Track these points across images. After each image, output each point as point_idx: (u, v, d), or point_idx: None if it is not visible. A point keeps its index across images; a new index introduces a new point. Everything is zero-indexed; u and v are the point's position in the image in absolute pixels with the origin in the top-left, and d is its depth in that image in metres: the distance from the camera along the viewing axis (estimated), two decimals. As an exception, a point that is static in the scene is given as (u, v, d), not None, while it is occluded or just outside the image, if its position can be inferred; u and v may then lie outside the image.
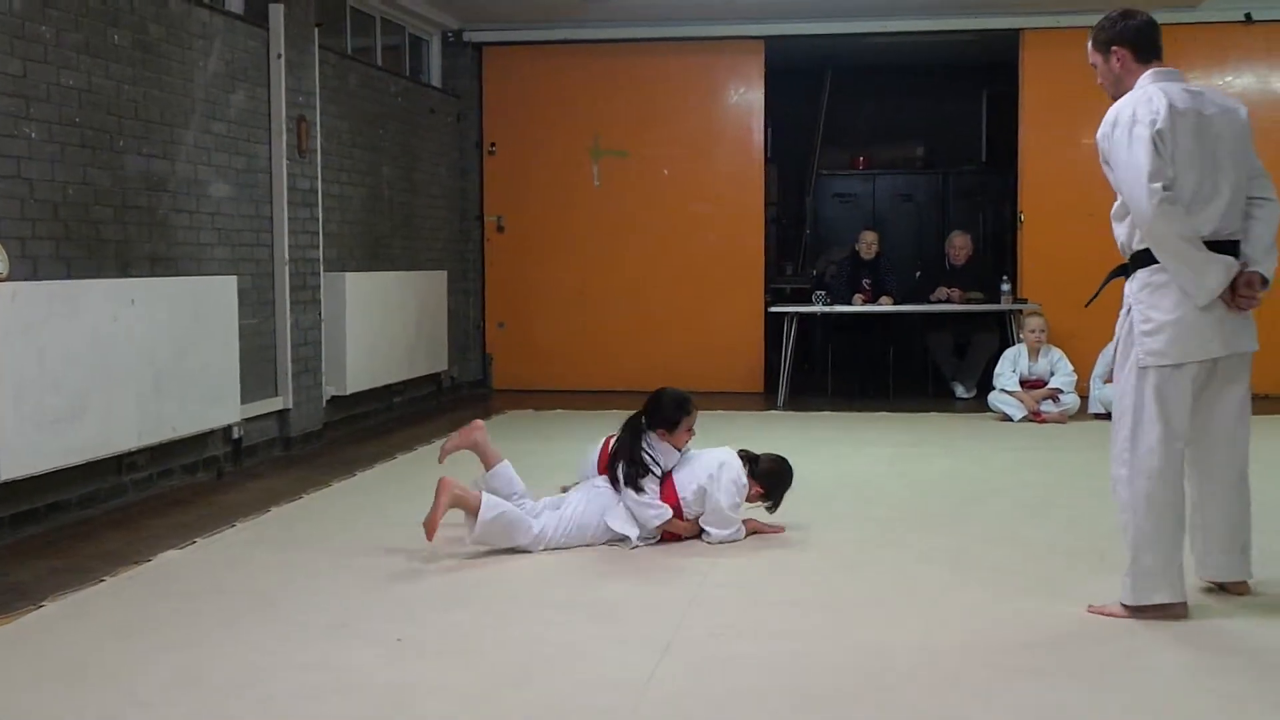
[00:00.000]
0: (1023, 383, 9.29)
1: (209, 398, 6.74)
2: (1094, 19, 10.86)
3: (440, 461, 5.63)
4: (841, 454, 7.76)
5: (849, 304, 10.36)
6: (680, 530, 5.37)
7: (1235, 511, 4.36)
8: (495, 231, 11.40)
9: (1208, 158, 4.15)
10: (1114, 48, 4.36)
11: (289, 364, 7.80)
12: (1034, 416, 9.08)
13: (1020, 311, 9.90)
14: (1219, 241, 4.14)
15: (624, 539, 5.27)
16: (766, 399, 10.54)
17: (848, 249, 11.21)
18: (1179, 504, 4.20)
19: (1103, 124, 4.22)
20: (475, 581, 4.75)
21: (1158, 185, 4.04)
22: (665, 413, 5.46)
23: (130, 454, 6.22)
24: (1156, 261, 4.14)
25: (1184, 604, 4.18)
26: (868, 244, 10.76)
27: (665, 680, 3.66)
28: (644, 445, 5.39)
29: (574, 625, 4.21)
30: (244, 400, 7.18)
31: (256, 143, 7.58)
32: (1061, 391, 9.19)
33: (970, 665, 3.78)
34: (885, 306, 10.33)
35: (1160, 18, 10.82)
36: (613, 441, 5.60)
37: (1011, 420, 9.11)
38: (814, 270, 12.61)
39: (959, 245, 10.66)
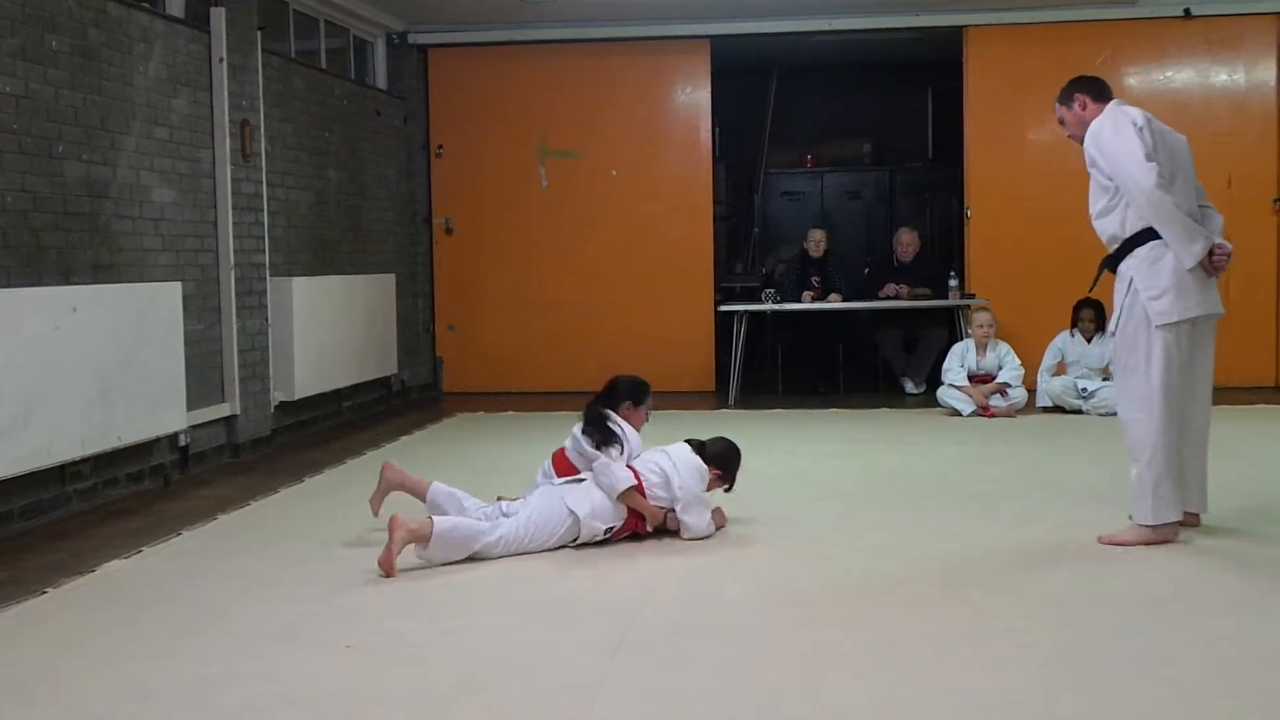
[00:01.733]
0: (971, 377, 9.35)
1: (155, 405, 6.67)
2: (1036, 15, 11.06)
3: (376, 515, 5.51)
4: (793, 450, 7.78)
5: (798, 302, 10.40)
6: (646, 511, 5.34)
7: (1204, 455, 5.26)
8: (444, 234, 11.36)
9: (1176, 161, 5.12)
10: (1075, 95, 5.32)
11: (236, 370, 7.73)
12: (983, 411, 9.14)
13: (968, 307, 9.96)
14: None
15: (584, 543, 5.23)
16: (718, 397, 10.56)
17: (796, 247, 11.25)
18: (1202, 439, 5.22)
19: (1087, 137, 5.16)
20: (426, 587, 4.72)
21: (1153, 164, 4.94)
22: (626, 391, 5.73)
23: (74, 463, 6.14)
24: (1152, 239, 4.98)
25: (1177, 526, 5.10)
26: (816, 242, 10.80)
27: (617, 682, 3.65)
28: (610, 418, 5.51)
29: (525, 629, 4.19)
30: (191, 407, 7.11)
31: (200, 147, 7.51)
32: (1009, 386, 9.26)
33: (923, 659, 3.79)
34: (834, 304, 10.37)
35: (1100, 14, 11.07)
36: (566, 448, 5.62)
37: (961, 415, 9.17)
38: (763, 269, 12.65)
39: (906, 242, 10.72)
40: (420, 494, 5.48)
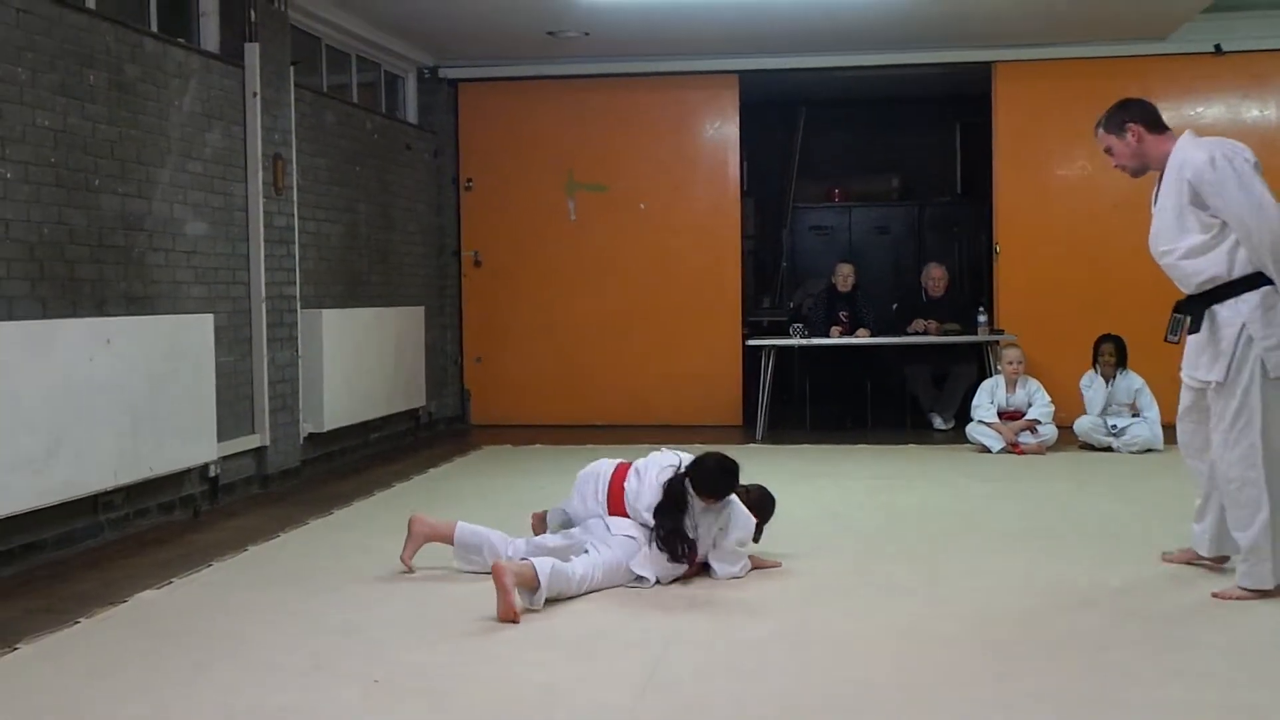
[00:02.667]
0: (1000, 414, 9.32)
1: (186, 436, 6.72)
2: (1065, 50, 11.03)
3: (409, 570, 5.41)
4: (820, 486, 7.77)
5: (826, 336, 10.40)
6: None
7: None
8: (472, 266, 11.41)
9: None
10: (1128, 125, 5.03)
11: (266, 401, 7.78)
12: (1012, 448, 9.10)
13: (997, 343, 9.94)
14: None
15: (642, 580, 5.21)
16: (745, 432, 10.55)
17: (824, 281, 11.26)
18: None
19: (1192, 165, 4.80)
20: (452, 620, 4.73)
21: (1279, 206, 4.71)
22: (717, 483, 5.29)
23: (106, 494, 6.19)
24: (1265, 284, 4.73)
25: None
26: (844, 276, 10.81)
27: (646, 719, 3.65)
28: (687, 517, 5.23)
29: (552, 664, 4.19)
30: (221, 438, 7.16)
31: (233, 181, 7.59)
32: (1039, 423, 9.21)
33: (950, 700, 3.78)
34: (862, 339, 10.36)
35: (1129, 49, 11.05)
36: (628, 474, 5.45)
37: (990, 451, 9.13)
38: (791, 303, 12.66)
39: (936, 277, 10.71)
40: (449, 539, 5.40)
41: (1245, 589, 4.81)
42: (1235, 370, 4.79)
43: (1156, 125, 5.03)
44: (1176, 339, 5.01)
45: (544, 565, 4.90)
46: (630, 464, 5.55)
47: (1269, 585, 4.77)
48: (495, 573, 4.73)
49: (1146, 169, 5.07)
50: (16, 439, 5.39)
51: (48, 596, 5.18)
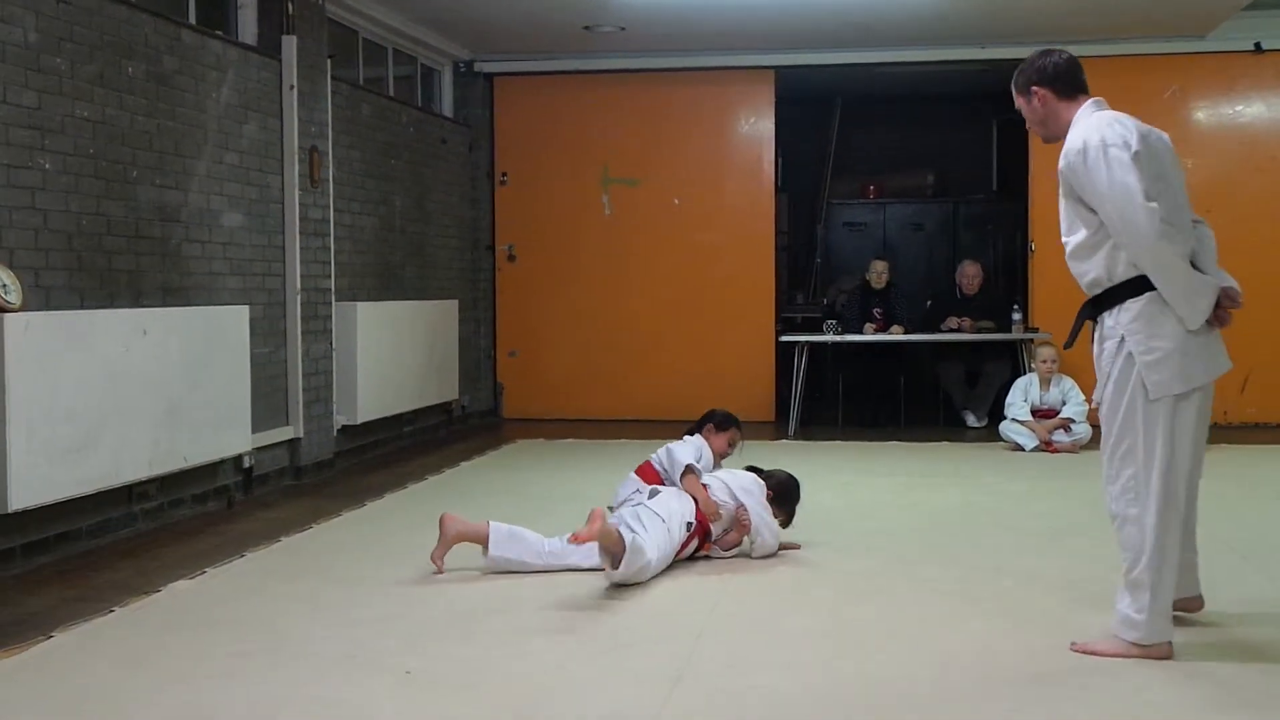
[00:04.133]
0: (1034, 412, 9.27)
1: (220, 427, 6.76)
2: (1103, 48, 10.97)
3: (440, 570, 5.34)
4: (852, 483, 7.74)
5: (860, 333, 10.36)
6: (700, 497, 5.49)
7: (1193, 529, 4.37)
8: (506, 260, 11.43)
9: (1175, 181, 4.15)
10: (1033, 88, 4.35)
11: (300, 393, 7.81)
12: (1046, 446, 9.05)
13: (1031, 341, 9.89)
14: (1194, 264, 4.15)
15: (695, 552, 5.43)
16: (778, 428, 10.53)
17: (858, 278, 11.22)
18: (1180, 539, 4.14)
19: (1066, 154, 4.15)
20: (485, 612, 4.74)
21: (1155, 205, 3.97)
22: (711, 416, 6.22)
23: (141, 483, 6.23)
24: (1148, 290, 4.05)
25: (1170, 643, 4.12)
26: (878, 273, 10.77)
27: (677, 714, 3.64)
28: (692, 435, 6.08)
29: (585, 657, 4.20)
30: (255, 429, 7.20)
31: (269, 173, 7.62)
32: (1073, 421, 9.15)
33: (982, 699, 3.76)
34: (896, 336, 10.32)
35: (1168, 47, 10.94)
36: (652, 459, 5.98)
37: (1023, 450, 9.08)
38: (825, 299, 12.60)
39: (970, 274, 10.66)
40: (482, 539, 5.35)
41: (1132, 643, 4.10)
42: (1115, 390, 4.13)
43: (1068, 89, 4.31)
44: (1070, 345, 4.47)
45: (628, 535, 5.01)
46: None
47: (1141, 640, 4.06)
48: (594, 512, 4.93)
49: (1057, 138, 4.33)
50: (54, 429, 5.43)
51: (82, 586, 5.22)
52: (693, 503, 5.49)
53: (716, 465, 6.03)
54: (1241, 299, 4.14)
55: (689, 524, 5.42)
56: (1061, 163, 4.17)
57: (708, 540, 5.53)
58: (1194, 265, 4.13)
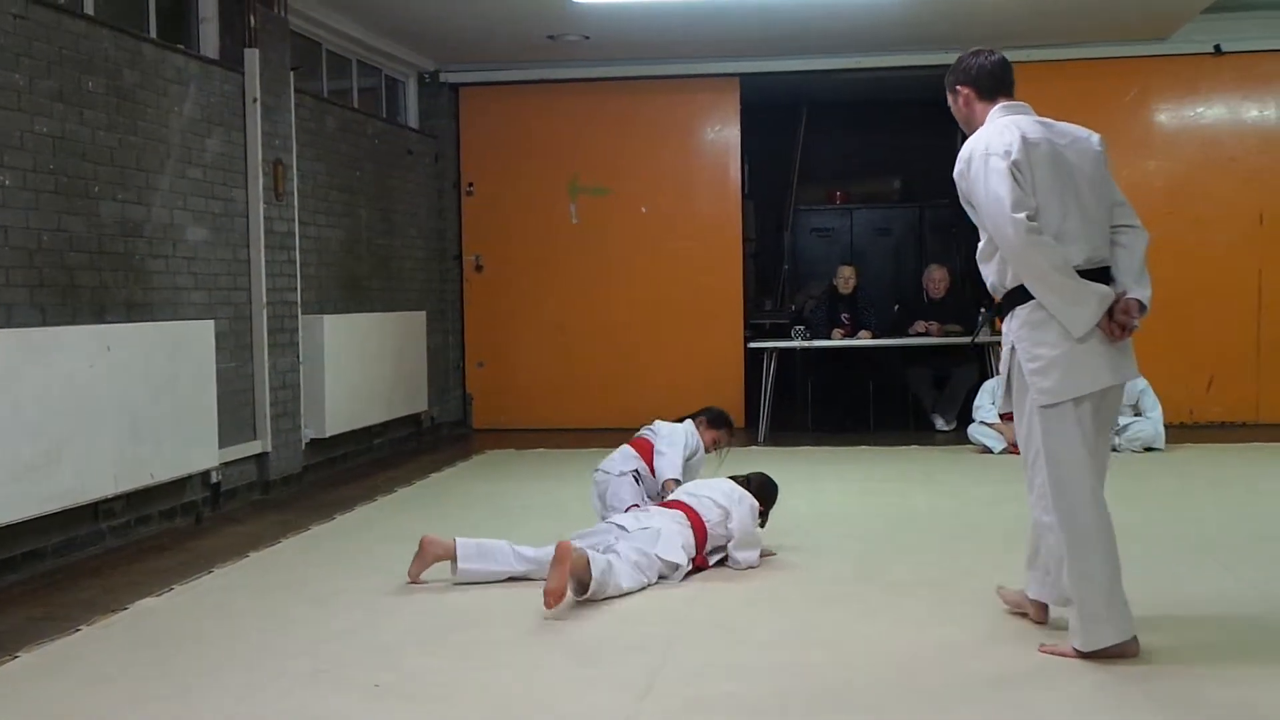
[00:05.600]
0: (1002, 415, 9.30)
1: (187, 443, 6.71)
2: (1065, 52, 11.01)
3: (412, 581, 5.30)
4: (822, 488, 7.76)
5: (828, 339, 10.39)
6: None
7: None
8: (474, 271, 11.41)
9: (1067, 188, 4.09)
10: (958, 86, 4.37)
11: (267, 407, 7.77)
12: (1014, 449, 9.07)
13: (999, 344, 9.92)
14: (1091, 270, 4.08)
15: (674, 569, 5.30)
16: (748, 434, 10.53)
17: (826, 284, 11.25)
18: (1110, 539, 4.08)
19: (957, 162, 4.18)
20: (455, 624, 4.72)
21: (1021, 215, 3.97)
22: (706, 411, 6.66)
23: (107, 500, 6.18)
24: (1033, 297, 4.07)
25: (1134, 640, 4.06)
26: (845, 279, 10.81)
27: (646, 722, 3.64)
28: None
29: (554, 667, 4.19)
30: (222, 444, 7.15)
31: (233, 186, 7.58)
32: (1041, 423, 9.17)
33: (951, 700, 3.77)
34: (864, 340, 10.35)
35: (1130, 50, 10.99)
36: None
37: (992, 452, 9.11)
38: (793, 305, 12.65)
39: (937, 278, 10.70)
40: (452, 556, 5.29)
41: (1075, 649, 4.09)
42: (1016, 398, 4.19)
43: (988, 90, 4.29)
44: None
45: (598, 560, 4.94)
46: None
47: (1079, 646, 4.06)
48: (559, 550, 4.75)
49: None
50: (17, 447, 5.38)
51: (49, 604, 5.18)
52: (691, 533, 5.38)
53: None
54: (1139, 311, 4.07)
55: (690, 559, 5.34)
56: (957, 163, 4.20)
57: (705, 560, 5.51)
58: (1104, 273, 4.10)
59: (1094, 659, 4.05)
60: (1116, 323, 4.04)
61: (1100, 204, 4.15)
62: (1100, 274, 4.10)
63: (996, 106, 4.26)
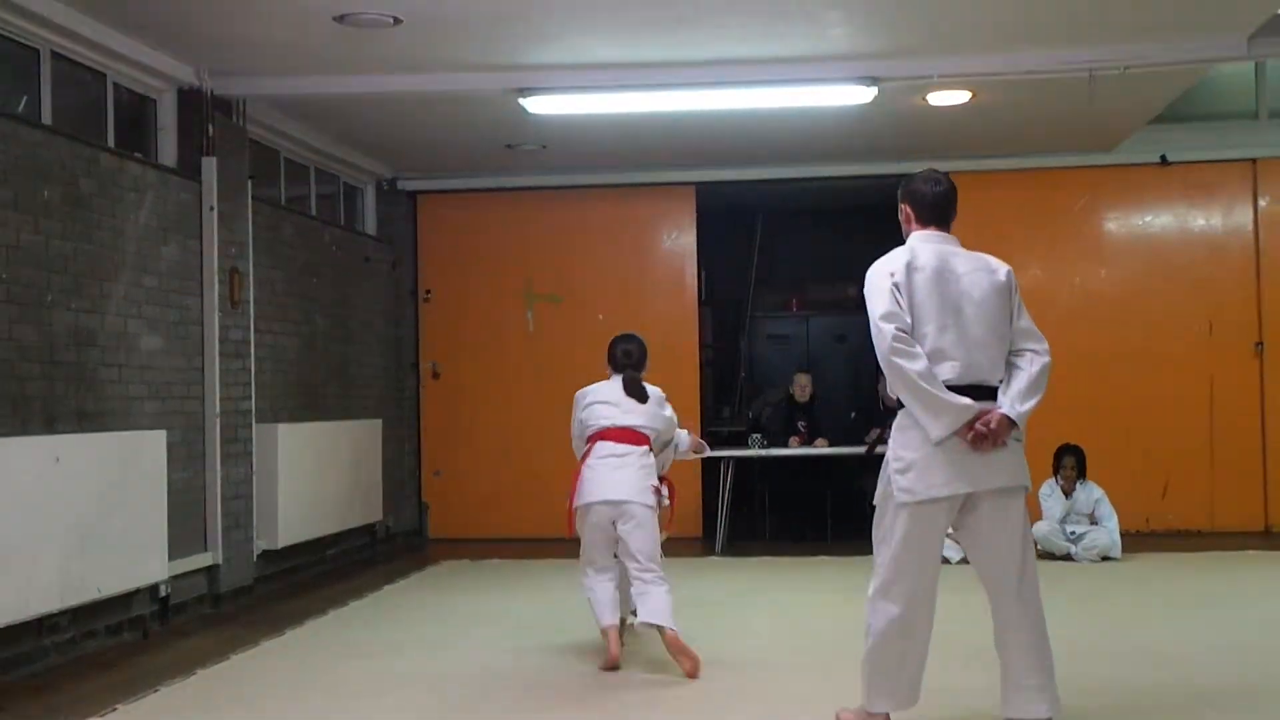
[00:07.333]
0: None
1: (136, 556, 6.59)
2: (1015, 162, 11.17)
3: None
4: (780, 601, 7.69)
5: (785, 446, 10.38)
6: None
7: (1030, 644, 4.50)
8: (431, 378, 11.36)
9: (946, 309, 4.38)
10: (903, 204, 4.66)
11: (219, 518, 7.65)
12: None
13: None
14: (964, 385, 4.33)
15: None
16: (705, 544, 10.46)
17: (783, 391, 11.27)
18: (924, 630, 4.52)
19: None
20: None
21: (890, 326, 4.33)
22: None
23: (52, 616, 6.04)
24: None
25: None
26: (801, 386, 10.83)
27: None
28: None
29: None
30: (172, 556, 7.02)
31: (188, 295, 7.54)
32: (998, 531, 9.17)
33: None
34: (820, 449, 10.35)
35: (1077, 160, 11.20)
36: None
37: (949, 562, 9.04)
38: (750, 413, 12.64)
39: (893, 386, 10.73)
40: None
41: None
42: (880, 488, 4.56)
43: (924, 218, 4.58)
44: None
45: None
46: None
47: (863, 705, 4.59)
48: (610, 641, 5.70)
49: None
50: (-40, 561, 5.26)
51: (-12, 725, 5.04)
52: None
53: None
54: (1008, 426, 4.31)
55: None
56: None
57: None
58: (987, 391, 4.36)
59: None
60: (976, 432, 4.26)
61: (989, 328, 4.41)
62: (978, 391, 4.35)
63: (918, 232, 4.58)
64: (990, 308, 4.41)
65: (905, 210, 4.62)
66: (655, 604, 5.63)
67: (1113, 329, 10.63)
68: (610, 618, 5.82)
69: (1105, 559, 8.97)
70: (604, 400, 6.29)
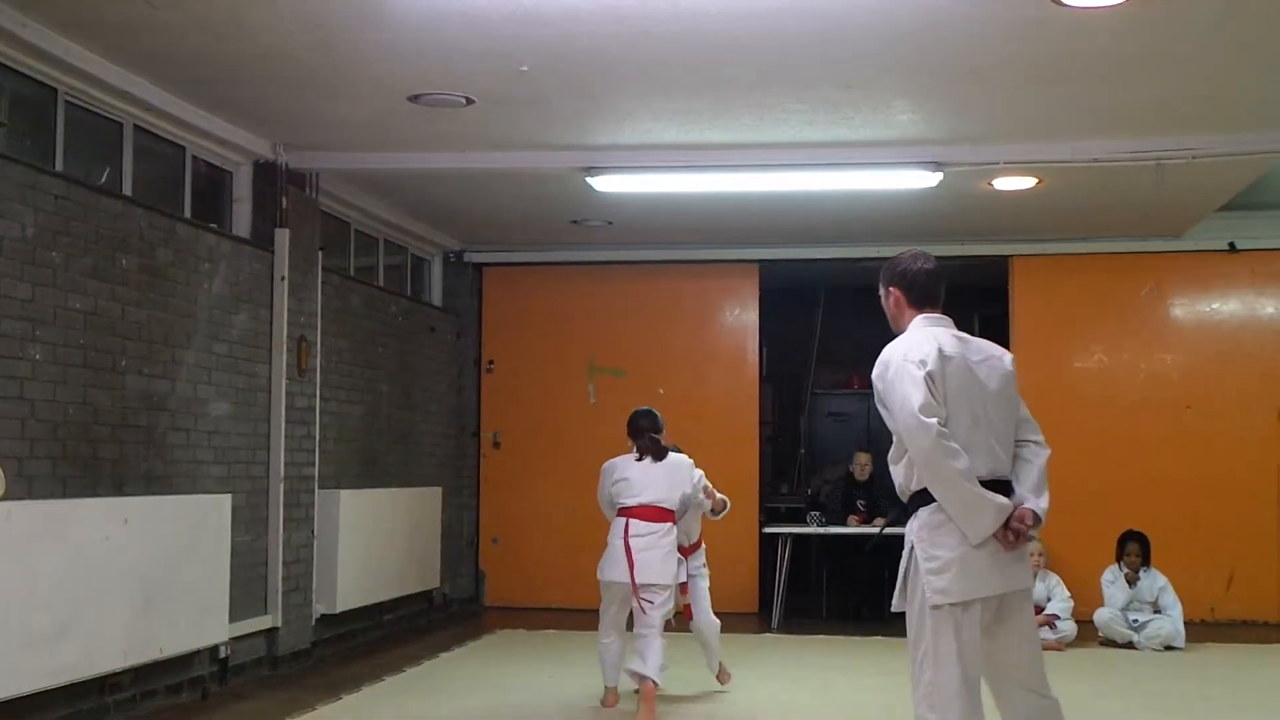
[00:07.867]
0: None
1: (197, 617, 6.69)
2: (1081, 246, 11.15)
3: None
4: (833, 680, 7.65)
5: (844, 524, 10.35)
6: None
7: None
8: (491, 447, 11.46)
9: (974, 401, 4.23)
10: (890, 287, 4.49)
11: (280, 582, 7.75)
12: (1030, 642, 8.95)
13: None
14: (991, 481, 4.17)
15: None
16: (761, 619, 10.43)
17: (842, 468, 11.25)
18: None
19: (876, 365, 4.31)
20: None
21: (933, 420, 4.08)
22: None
23: (114, 675, 6.14)
24: (935, 500, 4.15)
25: None
26: (861, 465, 10.81)
27: None
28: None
29: None
30: (233, 619, 7.12)
31: (257, 362, 7.69)
32: (1058, 618, 9.09)
33: None
34: (879, 528, 10.30)
35: (1145, 246, 11.14)
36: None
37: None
38: (809, 490, 12.62)
39: (953, 466, 10.67)
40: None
41: None
42: (910, 595, 4.22)
43: (916, 298, 4.43)
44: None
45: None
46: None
47: None
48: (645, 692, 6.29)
49: None
50: (29, 618, 5.38)
51: (49, 782, 5.12)
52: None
53: None
54: (1034, 522, 4.18)
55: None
56: (873, 374, 4.32)
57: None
58: (1004, 485, 4.21)
59: None
60: (1011, 530, 4.13)
61: (1005, 420, 4.30)
62: (1000, 486, 4.21)
63: (921, 316, 4.41)
64: (1002, 399, 4.31)
65: (894, 294, 4.46)
66: (649, 657, 6.40)
67: (1179, 415, 10.54)
68: (612, 680, 6.76)
69: (1169, 648, 8.85)
70: (626, 478, 6.88)
